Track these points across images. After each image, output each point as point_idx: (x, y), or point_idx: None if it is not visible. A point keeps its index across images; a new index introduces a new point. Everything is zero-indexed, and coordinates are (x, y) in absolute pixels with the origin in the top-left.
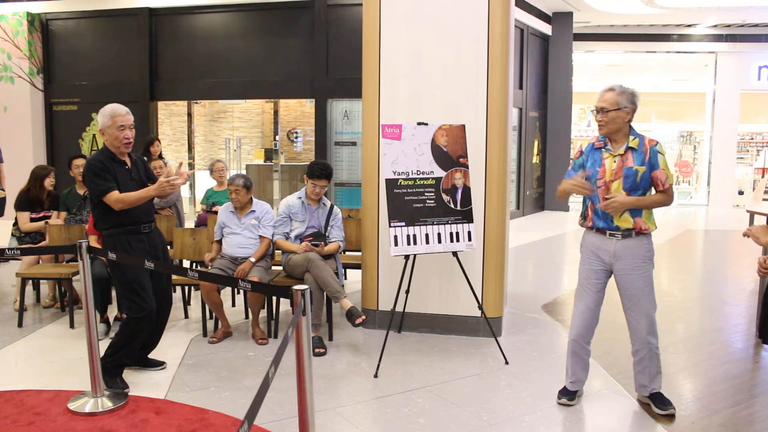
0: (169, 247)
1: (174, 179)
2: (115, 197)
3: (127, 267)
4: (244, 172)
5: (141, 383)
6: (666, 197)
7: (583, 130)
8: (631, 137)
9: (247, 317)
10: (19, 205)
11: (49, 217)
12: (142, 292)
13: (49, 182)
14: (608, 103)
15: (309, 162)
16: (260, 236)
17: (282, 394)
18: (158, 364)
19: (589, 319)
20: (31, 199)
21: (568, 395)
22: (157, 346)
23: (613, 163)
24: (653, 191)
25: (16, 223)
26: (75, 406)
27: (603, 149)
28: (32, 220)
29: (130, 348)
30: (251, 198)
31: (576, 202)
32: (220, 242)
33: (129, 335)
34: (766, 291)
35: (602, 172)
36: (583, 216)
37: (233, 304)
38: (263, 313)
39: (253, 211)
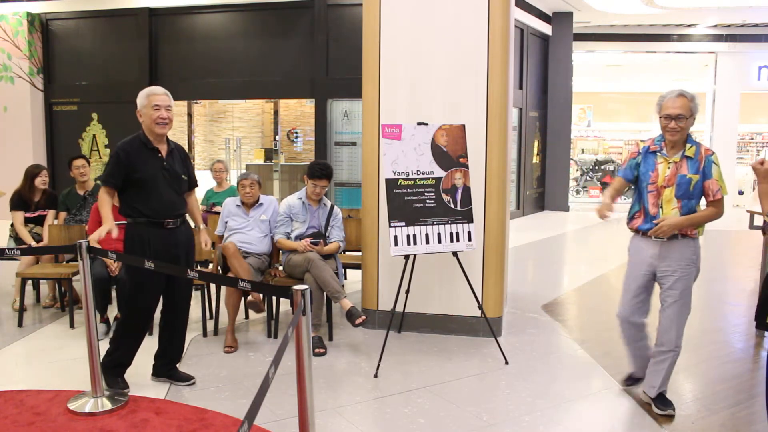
0: None
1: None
2: (101, 195)
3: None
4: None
5: (141, 383)
6: (716, 210)
7: (583, 130)
8: (688, 145)
9: (247, 317)
10: (13, 205)
11: (44, 216)
12: (138, 293)
13: (40, 181)
14: (685, 110)
15: (309, 162)
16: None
17: (282, 394)
18: (187, 379)
19: (633, 303)
20: (22, 199)
21: (628, 381)
22: None
23: (667, 169)
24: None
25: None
26: (75, 406)
27: (658, 153)
28: (27, 219)
29: (127, 347)
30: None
31: (577, 202)
32: (222, 237)
33: (121, 334)
34: (767, 277)
35: (654, 176)
36: (630, 218)
37: None
38: (263, 314)
39: (261, 204)
